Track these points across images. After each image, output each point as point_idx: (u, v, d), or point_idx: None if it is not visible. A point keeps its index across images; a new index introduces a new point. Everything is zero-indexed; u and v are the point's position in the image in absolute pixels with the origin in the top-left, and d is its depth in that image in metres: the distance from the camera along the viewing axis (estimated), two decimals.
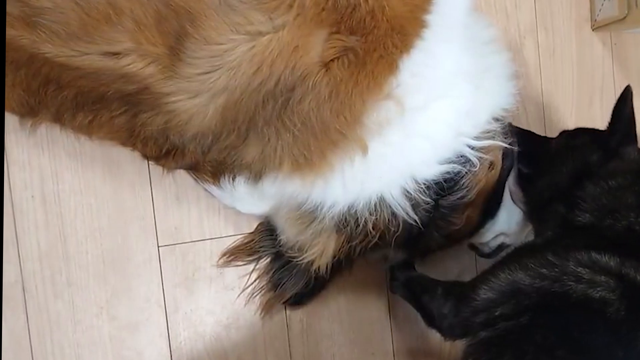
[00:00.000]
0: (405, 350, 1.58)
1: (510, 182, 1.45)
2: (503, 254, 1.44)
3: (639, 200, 1.23)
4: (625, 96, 1.32)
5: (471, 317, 1.23)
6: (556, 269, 1.16)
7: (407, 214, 1.30)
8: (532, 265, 1.18)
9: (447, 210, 1.35)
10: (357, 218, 1.30)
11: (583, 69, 1.74)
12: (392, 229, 1.31)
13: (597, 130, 1.39)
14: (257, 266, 1.50)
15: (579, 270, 1.15)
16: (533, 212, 1.41)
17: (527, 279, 1.18)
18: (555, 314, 1.15)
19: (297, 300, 1.50)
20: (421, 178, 1.28)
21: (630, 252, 1.15)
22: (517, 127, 1.47)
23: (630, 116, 1.32)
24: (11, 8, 1.14)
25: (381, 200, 1.29)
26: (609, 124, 1.34)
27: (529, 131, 1.51)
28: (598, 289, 1.12)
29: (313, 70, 1.17)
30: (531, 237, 1.47)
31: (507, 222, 1.47)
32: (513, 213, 1.46)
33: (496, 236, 1.49)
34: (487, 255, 1.54)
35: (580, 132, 1.43)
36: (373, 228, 1.31)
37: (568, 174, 1.34)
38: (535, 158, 1.42)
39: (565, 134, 1.45)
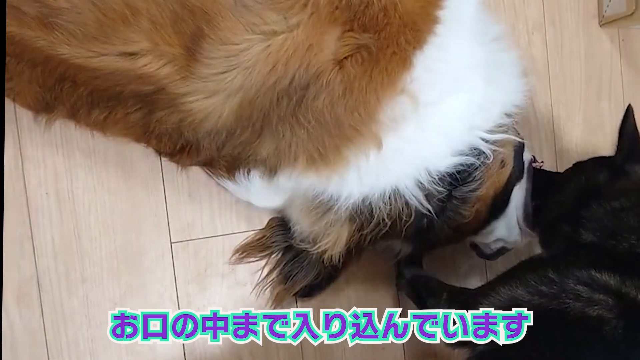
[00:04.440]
0: (415, 344, 1.59)
1: (520, 216, 1.47)
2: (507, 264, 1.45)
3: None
4: (627, 115, 1.35)
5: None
6: (555, 286, 1.18)
7: (421, 203, 1.31)
8: (532, 282, 1.20)
9: (458, 201, 1.36)
10: (372, 208, 1.31)
11: (591, 65, 1.75)
12: (404, 218, 1.33)
13: (607, 158, 1.39)
14: (269, 261, 1.51)
15: (577, 288, 1.16)
16: (543, 236, 1.43)
17: (526, 296, 1.20)
18: (552, 331, 1.17)
19: (308, 292, 1.51)
20: (435, 170, 1.30)
21: (631, 271, 1.16)
22: (532, 167, 1.49)
23: (634, 133, 1.34)
24: (28, 8, 1.14)
25: (395, 191, 1.30)
26: (617, 143, 1.35)
27: (543, 169, 1.53)
28: (595, 307, 1.13)
29: (327, 68, 1.18)
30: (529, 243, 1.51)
31: (507, 232, 1.48)
32: (513, 225, 1.48)
33: (497, 240, 1.51)
34: (487, 257, 1.56)
35: (591, 160, 1.44)
36: (386, 217, 1.32)
37: (575, 192, 1.36)
38: (546, 188, 1.44)
39: (576, 165, 1.47)
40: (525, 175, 1.47)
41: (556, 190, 1.41)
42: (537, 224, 1.44)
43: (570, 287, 1.16)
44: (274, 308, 1.52)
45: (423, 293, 1.40)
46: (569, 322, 1.15)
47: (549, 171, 1.53)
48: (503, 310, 1.20)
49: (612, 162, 1.34)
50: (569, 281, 1.17)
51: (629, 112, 1.35)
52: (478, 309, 1.23)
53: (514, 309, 1.20)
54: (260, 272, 1.51)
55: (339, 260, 1.39)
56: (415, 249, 1.47)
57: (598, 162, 1.39)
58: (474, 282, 1.64)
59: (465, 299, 1.29)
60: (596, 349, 1.13)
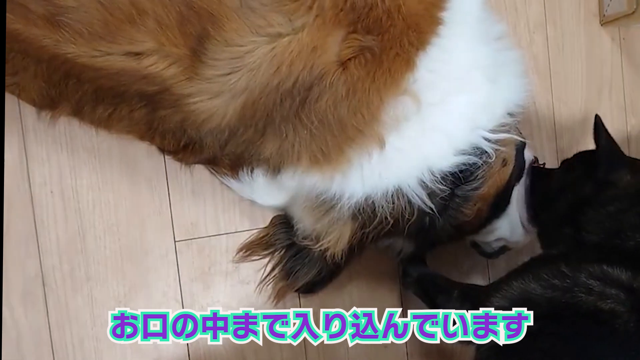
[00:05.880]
0: (417, 342, 1.59)
1: (523, 216, 1.48)
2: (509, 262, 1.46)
3: None
4: (597, 127, 1.35)
5: None
6: (568, 280, 1.18)
7: (424, 202, 1.32)
8: (545, 276, 1.21)
9: (460, 199, 1.37)
10: (374, 207, 1.32)
11: (592, 64, 1.76)
12: (407, 216, 1.33)
13: (592, 154, 1.39)
14: (272, 258, 1.52)
15: (590, 282, 1.17)
16: (545, 239, 1.44)
17: (538, 289, 1.20)
18: (564, 323, 1.18)
19: (309, 289, 1.52)
20: (437, 169, 1.30)
21: None
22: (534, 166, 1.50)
23: (608, 144, 1.34)
24: (35, 7, 1.15)
25: (398, 190, 1.31)
26: (596, 156, 1.35)
27: (539, 167, 1.53)
28: (608, 301, 1.15)
29: (330, 70, 1.19)
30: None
31: (510, 232, 1.49)
32: (516, 224, 1.49)
33: (498, 238, 1.51)
34: (489, 255, 1.57)
35: (576, 161, 1.45)
36: (388, 216, 1.32)
37: (566, 207, 1.37)
38: (543, 188, 1.45)
39: (564, 164, 1.47)
40: (525, 175, 1.47)
41: (548, 203, 1.42)
42: (538, 228, 1.45)
43: (583, 281, 1.17)
44: (276, 304, 1.53)
45: (431, 291, 1.41)
46: (582, 315, 1.16)
47: (545, 169, 1.53)
48: (515, 304, 1.21)
49: (595, 177, 1.34)
50: (582, 275, 1.18)
51: (597, 124, 1.35)
52: (491, 304, 1.24)
53: (514, 309, 1.21)
54: (263, 269, 1.52)
55: (341, 258, 1.40)
56: (417, 247, 1.48)
57: (581, 173, 1.39)
58: (476, 281, 1.65)
59: (477, 295, 1.30)
60: (608, 341, 1.14)
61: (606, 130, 1.35)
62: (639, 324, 1.13)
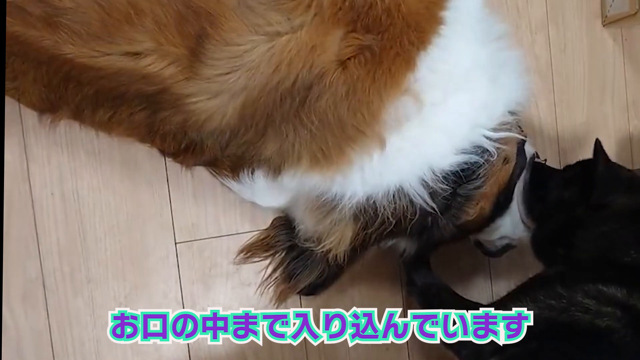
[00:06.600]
0: (419, 344, 1.59)
1: (522, 211, 1.47)
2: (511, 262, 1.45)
3: (637, 238, 1.26)
4: (597, 151, 1.34)
5: (483, 346, 1.25)
6: (564, 300, 1.20)
7: (425, 202, 1.31)
8: (542, 297, 1.22)
9: (462, 199, 1.37)
10: (376, 207, 1.32)
11: (594, 65, 1.75)
12: (409, 216, 1.33)
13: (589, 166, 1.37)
14: (273, 260, 1.52)
15: (585, 301, 1.18)
16: (539, 256, 1.43)
17: (535, 310, 1.21)
18: (563, 339, 1.18)
19: (311, 291, 1.51)
20: (439, 169, 1.30)
21: (637, 284, 1.18)
22: (535, 161, 1.49)
23: (607, 170, 1.33)
24: (33, 8, 1.15)
25: (399, 190, 1.30)
26: (592, 181, 1.34)
27: (540, 163, 1.52)
28: (605, 318, 1.16)
29: (330, 69, 1.19)
30: None
31: (512, 229, 1.49)
32: (517, 221, 1.48)
33: (502, 237, 1.51)
34: (492, 254, 1.56)
35: (575, 171, 1.44)
36: (390, 216, 1.32)
37: (558, 226, 1.37)
38: (538, 192, 1.45)
39: (566, 171, 1.47)
40: (525, 169, 1.47)
41: (543, 221, 1.42)
42: (532, 247, 1.45)
43: (579, 300, 1.18)
44: (277, 306, 1.53)
45: (435, 306, 1.40)
46: (579, 332, 1.17)
47: (546, 166, 1.52)
48: None
49: (589, 200, 1.34)
50: (577, 295, 1.19)
51: (598, 151, 1.34)
52: None
53: (514, 309, 1.21)
54: (264, 271, 1.52)
55: (344, 259, 1.39)
56: (420, 247, 1.47)
57: (576, 194, 1.38)
58: (478, 281, 1.65)
59: None
60: (607, 353, 1.15)
61: (605, 154, 1.34)
62: (636, 337, 1.15)
